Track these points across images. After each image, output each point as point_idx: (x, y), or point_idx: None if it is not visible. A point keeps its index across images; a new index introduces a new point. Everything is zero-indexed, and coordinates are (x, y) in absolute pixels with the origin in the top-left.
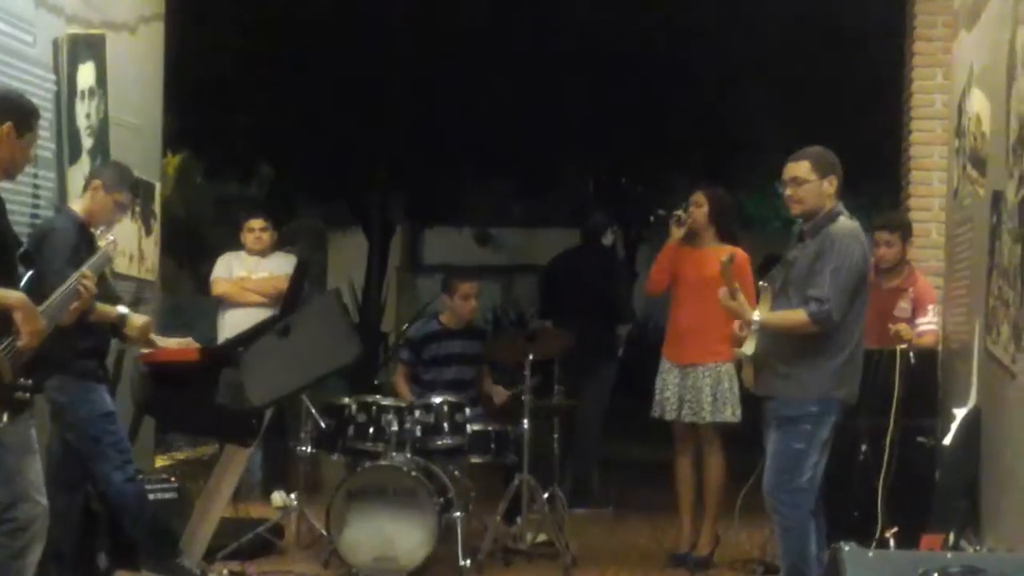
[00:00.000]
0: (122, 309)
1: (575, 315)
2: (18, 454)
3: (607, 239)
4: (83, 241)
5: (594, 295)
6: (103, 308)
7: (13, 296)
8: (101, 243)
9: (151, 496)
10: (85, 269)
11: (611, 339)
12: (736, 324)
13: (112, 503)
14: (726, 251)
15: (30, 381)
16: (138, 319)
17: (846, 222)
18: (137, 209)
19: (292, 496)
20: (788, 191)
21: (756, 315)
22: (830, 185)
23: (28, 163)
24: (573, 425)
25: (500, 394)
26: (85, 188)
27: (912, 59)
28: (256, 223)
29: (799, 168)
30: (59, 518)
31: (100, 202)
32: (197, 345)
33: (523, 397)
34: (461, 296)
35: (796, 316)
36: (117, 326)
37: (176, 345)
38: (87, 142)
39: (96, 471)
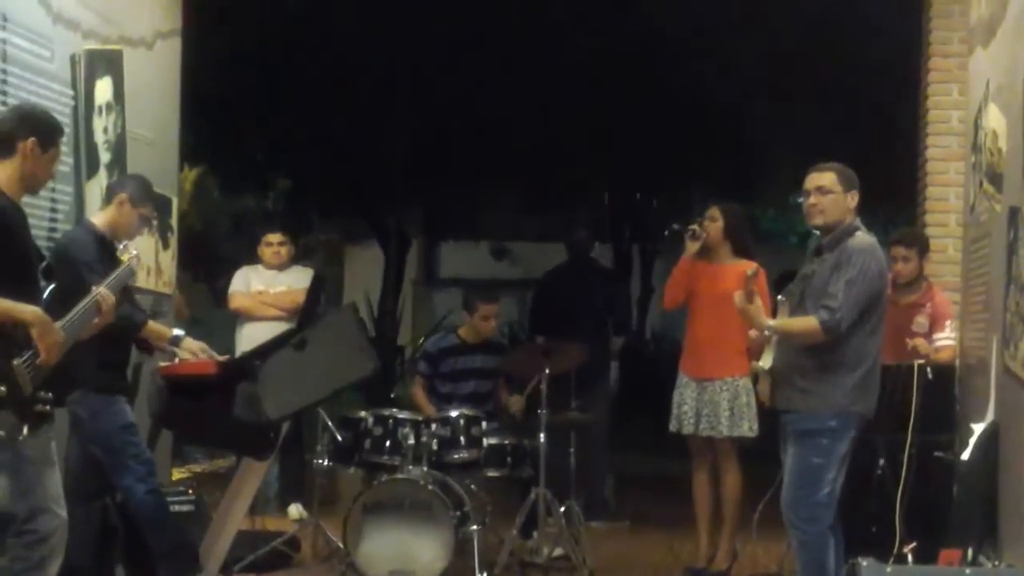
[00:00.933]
0: (177, 331)
1: (566, 330)
2: (38, 466)
3: (594, 253)
4: (104, 254)
5: (585, 309)
6: (156, 327)
7: (29, 311)
8: (124, 257)
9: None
10: (104, 287)
11: (603, 353)
12: (752, 332)
13: (134, 515)
14: (742, 266)
15: (50, 394)
16: (193, 343)
17: (864, 237)
18: (154, 223)
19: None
20: (812, 200)
21: (769, 321)
22: (852, 199)
23: (50, 179)
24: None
25: (517, 402)
26: (108, 201)
27: (928, 75)
28: (274, 237)
29: (824, 178)
30: (77, 531)
31: (126, 216)
32: (213, 353)
33: (540, 411)
34: (481, 316)
35: (807, 323)
36: (141, 338)
37: (197, 349)
38: (104, 156)
39: (118, 483)
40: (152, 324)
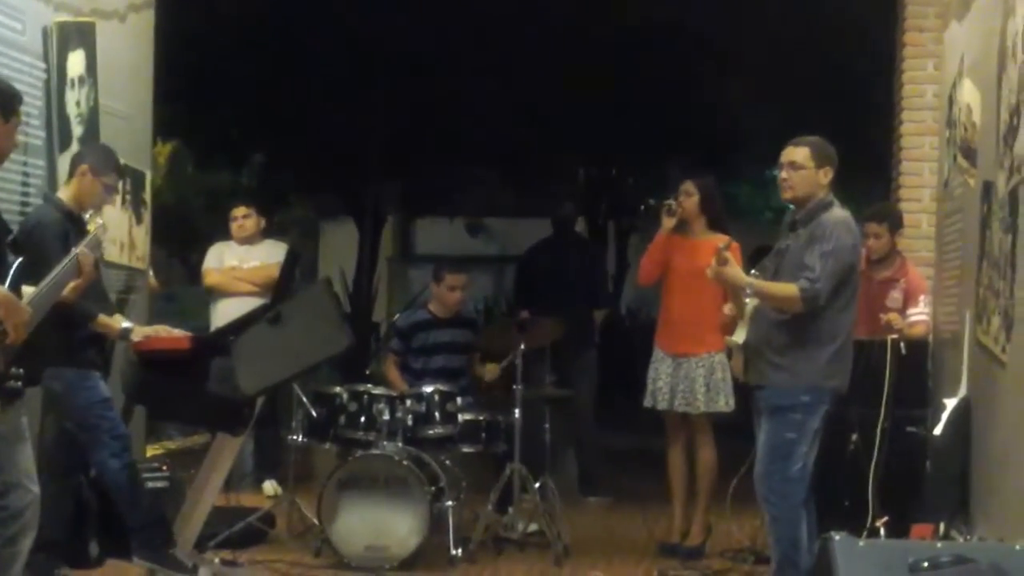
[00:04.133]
0: (126, 324)
1: (551, 305)
2: (9, 442)
3: (578, 227)
4: (72, 229)
5: (569, 284)
6: (106, 320)
7: None
8: (91, 227)
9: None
10: (82, 247)
11: (589, 327)
12: (727, 307)
13: (108, 490)
14: (717, 240)
15: (22, 370)
16: (142, 330)
17: (838, 212)
18: (128, 198)
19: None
20: (783, 174)
21: (749, 279)
22: (825, 176)
23: (14, 148)
24: (571, 417)
25: (491, 371)
26: (71, 174)
27: (903, 50)
28: (239, 211)
29: (798, 153)
30: (51, 506)
31: (89, 186)
32: (171, 331)
33: (514, 386)
34: (448, 286)
35: (788, 288)
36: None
37: (150, 331)
38: (77, 130)
39: (93, 458)
40: (102, 317)
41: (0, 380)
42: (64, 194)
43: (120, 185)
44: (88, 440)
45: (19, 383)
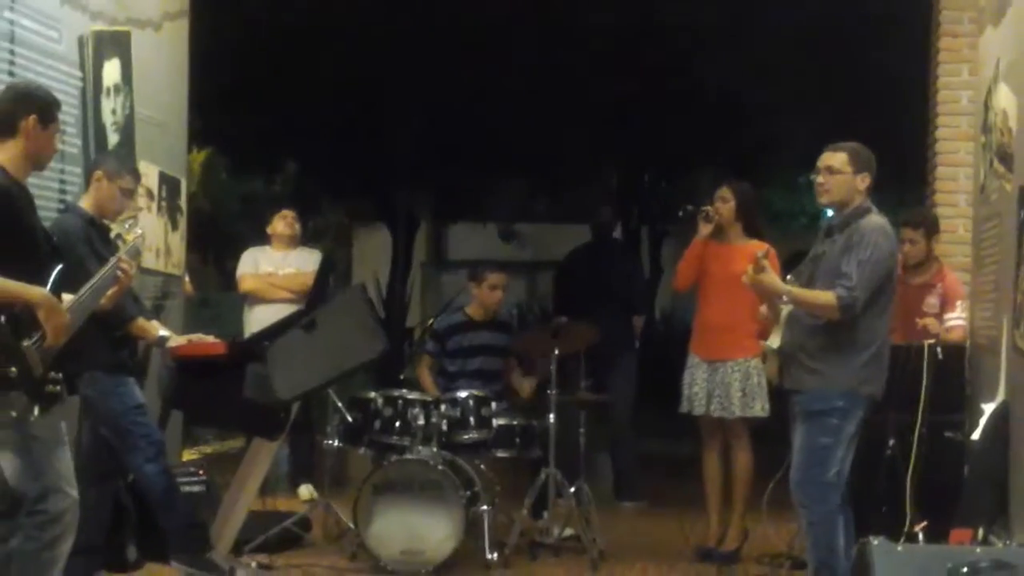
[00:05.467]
0: (163, 332)
1: (591, 310)
2: (49, 446)
3: (617, 233)
4: (96, 234)
5: (609, 289)
6: (144, 324)
7: (37, 293)
8: (129, 237)
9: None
10: (123, 253)
11: (628, 332)
12: (763, 307)
13: (145, 495)
14: (753, 246)
15: (60, 374)
16: (177, 340)
17: (875, 218)
18: (163, 204)
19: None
20: (820, 178)
21: (787, 286)
22: (862, 181)
23: (54, 153)
24: (608, 422)
25: (527, 387)
26: (88, 182)
27: (938, 55)
28: (288, 212)
29: (835, 158)
30: (89, 511)
31: (106, 192)
32: (206, 339)
33: (549, 391)
34: (489, 286)
35: (825, 296)
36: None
37: (196, 340)
38: (113, 138)
39: (129, 463)
40: (140, 321)
41: (39, 384)
42: (85, 202)
43: (149, 189)
44: (122, 445)
45: (58, 387)
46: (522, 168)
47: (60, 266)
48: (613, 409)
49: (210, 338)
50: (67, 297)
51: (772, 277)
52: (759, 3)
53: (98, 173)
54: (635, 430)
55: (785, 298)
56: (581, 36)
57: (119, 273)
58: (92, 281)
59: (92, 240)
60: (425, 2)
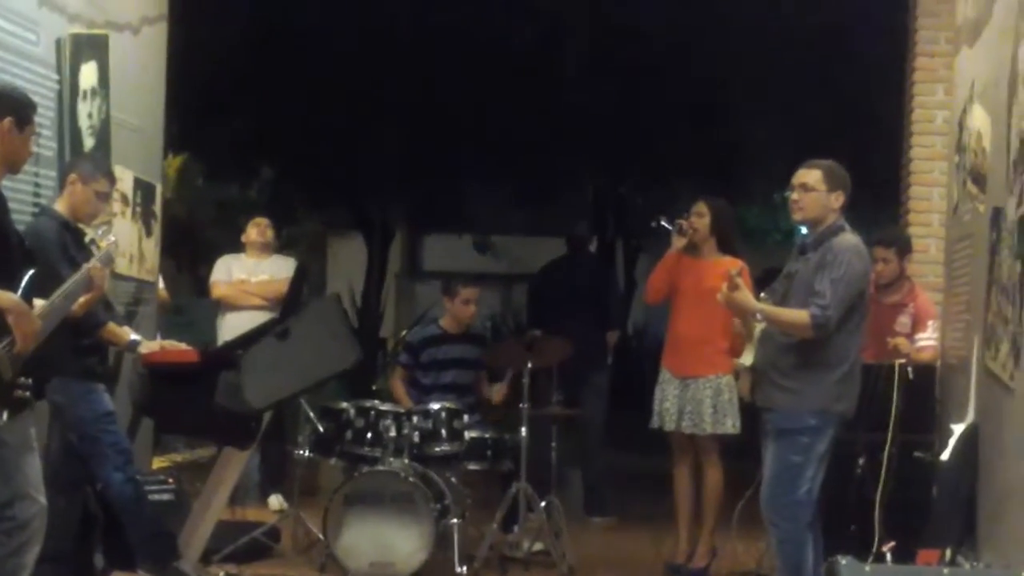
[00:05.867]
0: (134, 336)
1: (565, 324)
2: (17, 452)
3: (592, 247)
4: (70, 239)
5: (583, 303)
6: (115, 329)
7: (5, 298)
8: (102, 244)
9: (149, 498)
10: (95, 261)
11: (601, 346)
12: (736, 322)
13: (112, 503)
14: (726, 263)
15: (30, 380)
16: (149, 345)
17: (849, 236)
18: (138, 210)
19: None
20: (794, 195)
21: (760, 305)
22: (836, 200)
23: (29, 156)
24: (579, 437)
25: (499, 391)
26: (63, 186)
27: (913, 75)
28: (261, 219)
29: (810, 176)
30: (58, 518)
31: (80, 195)
32: (177, 346)
33: (521, 405)
34: (462, 300)
35: (799, 315)
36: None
37: (156, 347)
38: (88, 142)
39: (96, 471)
40: (111, 326)
41: (8, 390)
42: (60, 206)
43: (123, 194)
44: (90, 453)
45: (27, 393)
46: (499, 180)
47: (32, 271)
48: (585, 424)
49: (183, 345)
50: (38, 303)
51: (746, 295)
52: (737, 20)
53: (72, 176)
54: (607, 445)
55: (759, 316)
56: (560, 48)
57: (91, 279)
58: (63, 287)
59: (66, 244)
60: (403, 12)
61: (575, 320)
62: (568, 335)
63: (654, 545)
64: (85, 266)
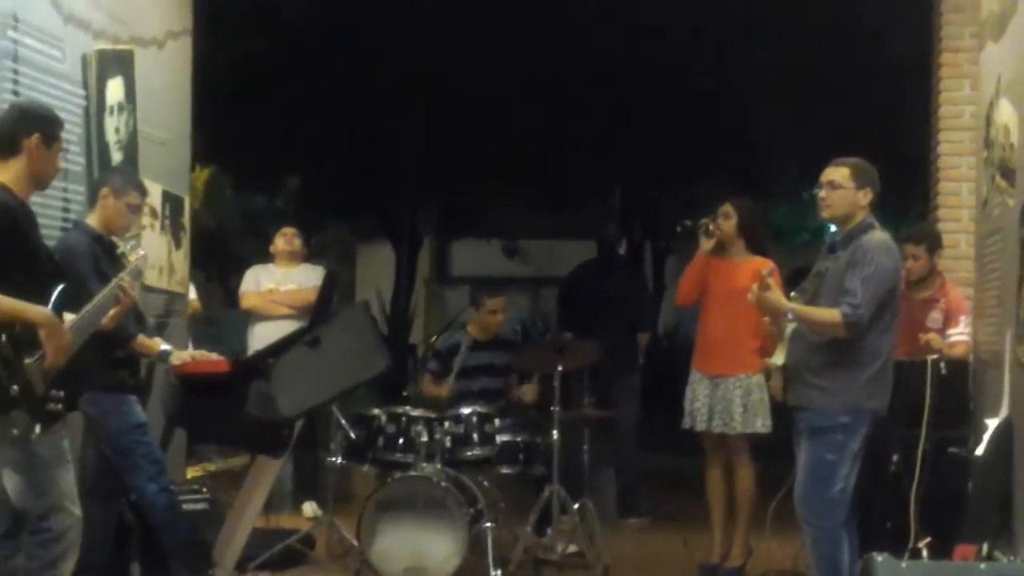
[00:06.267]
0: (164, 347)
1: (596, 327)
2: (51, 465)
3: (622, 249)
4: (103, 252)
5: (614, 306)
6: (145, 341)
7: (38, 312)
8: (132, 257)
9: (183, 507)
10: (124, 275)
11: (633, 349)
12: (767, 322)
13: (146, 514)
14: (756, 263)
15: (62, 393)
16: (180, 355)
17: (878, 234)
18: (167, 223)
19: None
20: (822, 193)
21: (791, 304)
22: (864, 197)
23: (57, 172)
24: (612, 439)
25: (530, 391)
26: (94, 200)
27: (939, 70)
28: (289, 229)
29: (838, 173)
30: (94, 530)
31: (112, 209)
32: (208, 356)
33: (552, 408)
34: (488, 311)
35: (831, 314)
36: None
37: (187, 357)
38: (116, 156)
39: (130, 482)
40: (142, 338)
41: (40, 403)
42: (92, 220)
43: (152, 207)
44: (124, 464)
45: (59, 406)
46: (526, 185)
47: (62, 285)
48: (617, 426)
49: (214, 355)
50: (68, 317)
51: (777, 295)
52: (762, 20)
53: (105, 190)
54: (640, 446)
55: (790, 316)
56: (583, 52)
57: (120, 294)
58: (93, 301)
59: (97, 258)
60: (429, 19)
61: (607, 323)
62: (600, 338)
63: (688, 546)
64: (114, 280)
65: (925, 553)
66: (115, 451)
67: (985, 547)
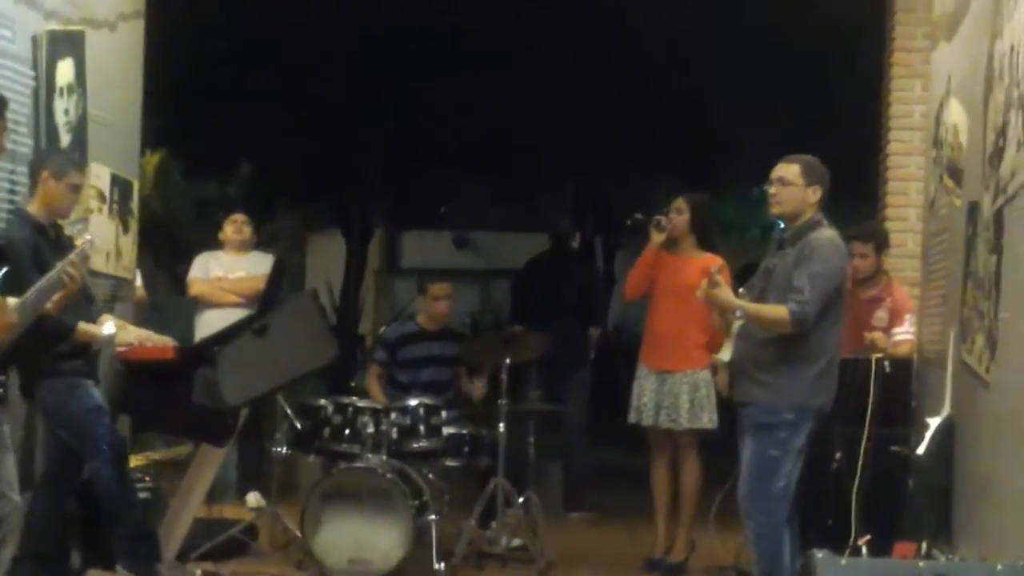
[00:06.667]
0: (108, 330)
1: (548, 320)
2: None
3: (575, 243)
4: (43, 241)
5: (566, 300)
6: (86, 328)
7: None
8: (78, 242)
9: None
10: (71, 257)
11: (583, 343)
12: (715, 318)
13: (101, 498)
14: (705, 259)
15: (5, 378)
16: (125, 337)
17: (826, 231)
18: (115, 207)
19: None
20: (772, 190)
21: (739, 301)
22: (814, 194)
23: (3, 153)
24: (560, 433)
25: (478, 388)
26: (34, 183)
27: (891, 70)
28: (238, 216)
29: (788, 170)
30: (41, 519)
31: (53, 191)
32: (157, 339)
33: (499, 401)
34: (432, 297)
35: (778, 311)
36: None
37: (139, 335)
38: (65, 139)
39: (90, 467)
40: (82, 326)
41: None
42: (33, 206)
43: (100, 191)
44: (82, 448)
45: (2, 390)
46: (477, 177)
47: (5, 268)
48: (566, 420)
49: (164, 338)
50: (12, 301)
51: (726, 292)
52: (717, 17)
53: (44, 173)
54: (588, 441)
55: (739, 313)
56: (539, 47)
57: (65, 278)
58: (38, 284)
59: (38, 249)
60: (383, 8)
61: (559, 316)
62: (552, 331)
63: (632, 540)
64: (60, 264)
65: (865, 550)
66: (73, 435)
67: (924, 545)
